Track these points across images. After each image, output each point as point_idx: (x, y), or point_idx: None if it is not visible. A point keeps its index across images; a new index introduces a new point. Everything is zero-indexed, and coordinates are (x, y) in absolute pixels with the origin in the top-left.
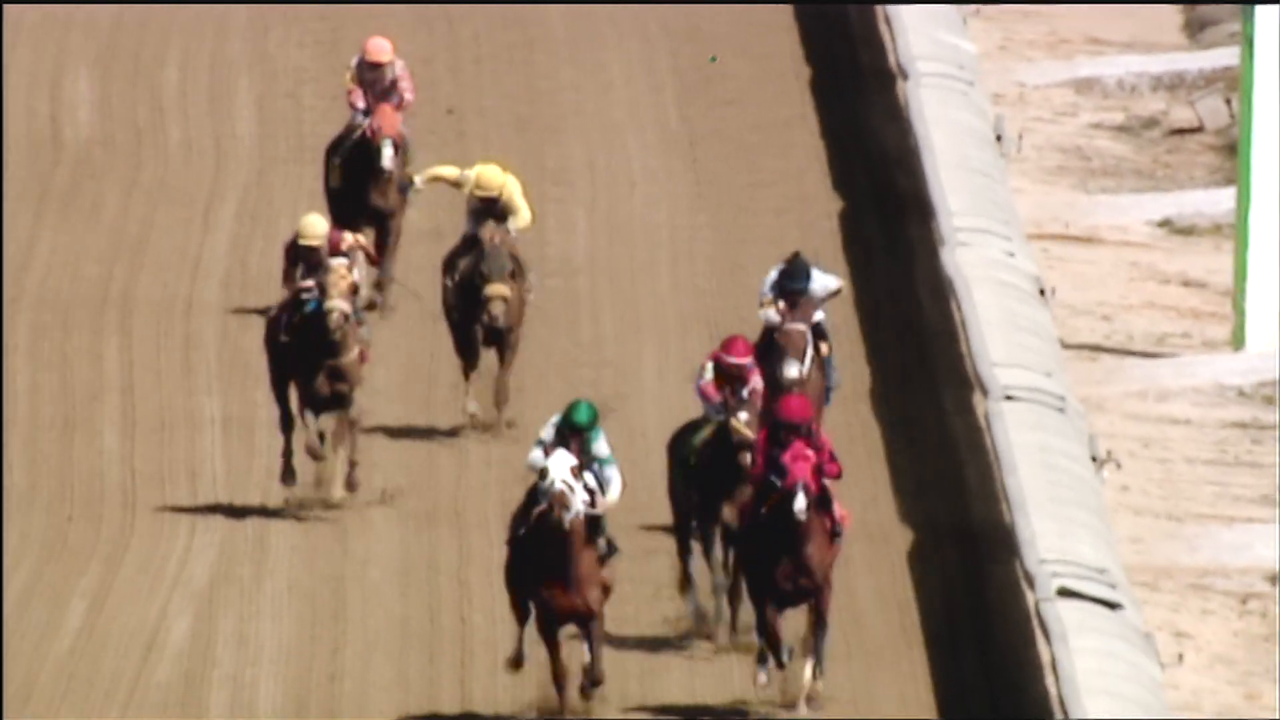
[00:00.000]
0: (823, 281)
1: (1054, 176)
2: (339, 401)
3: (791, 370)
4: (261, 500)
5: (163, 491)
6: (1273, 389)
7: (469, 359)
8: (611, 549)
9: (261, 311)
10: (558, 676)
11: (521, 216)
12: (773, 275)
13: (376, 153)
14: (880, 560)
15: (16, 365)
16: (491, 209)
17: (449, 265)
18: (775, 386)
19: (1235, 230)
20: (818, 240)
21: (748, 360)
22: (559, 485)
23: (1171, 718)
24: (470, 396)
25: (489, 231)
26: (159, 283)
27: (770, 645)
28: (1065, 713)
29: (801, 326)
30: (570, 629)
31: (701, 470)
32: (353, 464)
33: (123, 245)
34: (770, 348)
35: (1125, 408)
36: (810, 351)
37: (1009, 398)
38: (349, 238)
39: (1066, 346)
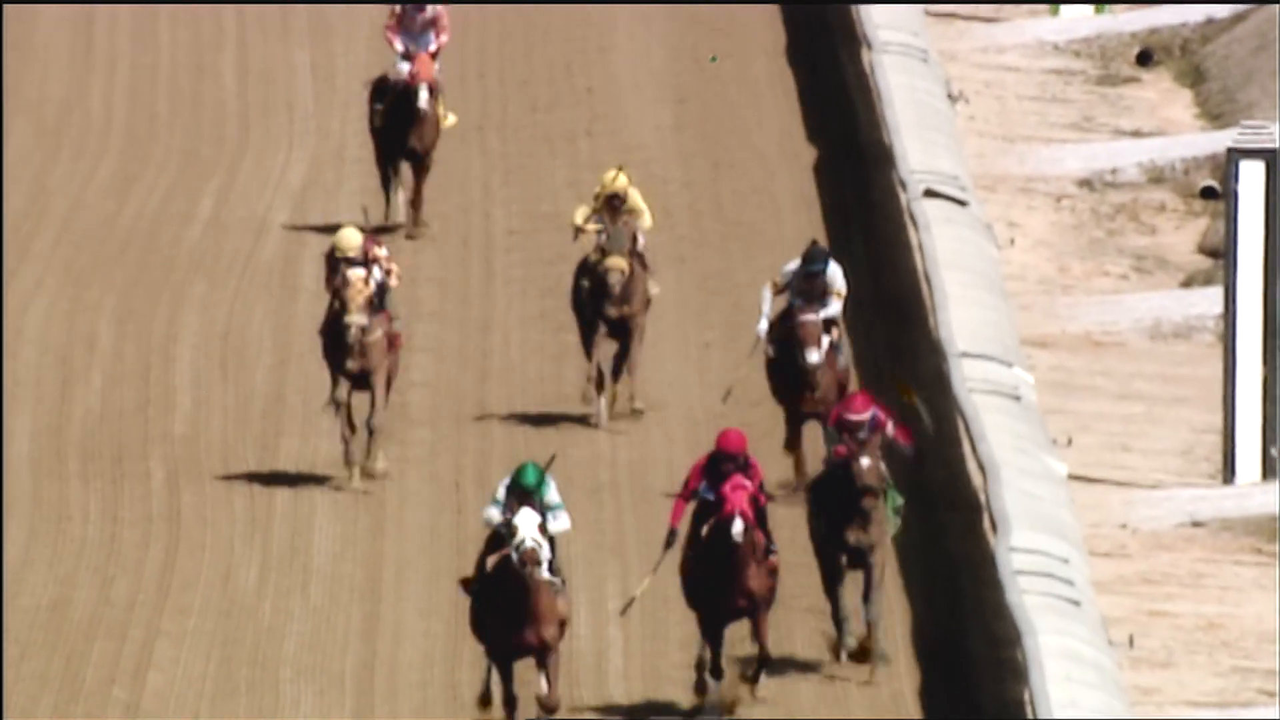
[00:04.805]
0: (836, 268)
1: None
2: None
3: (812, 356)
4: (341, 124)
5: (268, 119)
6: (1080, 45)
7: (590, 349)
8: (561, 584)
9: None
10: (508, 704)
11: (646, 219)
12: (794, 263)
13: (414, 95)
14: (794, 171)
15: (161, 26)
16: (616, 208)
17: (583, 264)
18: (797, 372)
19: None
20: None
21: (867, 415)
22: (529, 543)
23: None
24: (593, 396)
25: (613, 220)
26: None
27: (711, 653)
28: (929, 280)
29: (815, 317)
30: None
31: (826, 505)
32: (372, 433)
33: None
34: (789, 335)
35: (972, 59)
36: (826, 339)
37: (887, 51)
38: (379, 252)
39: (929, 14)
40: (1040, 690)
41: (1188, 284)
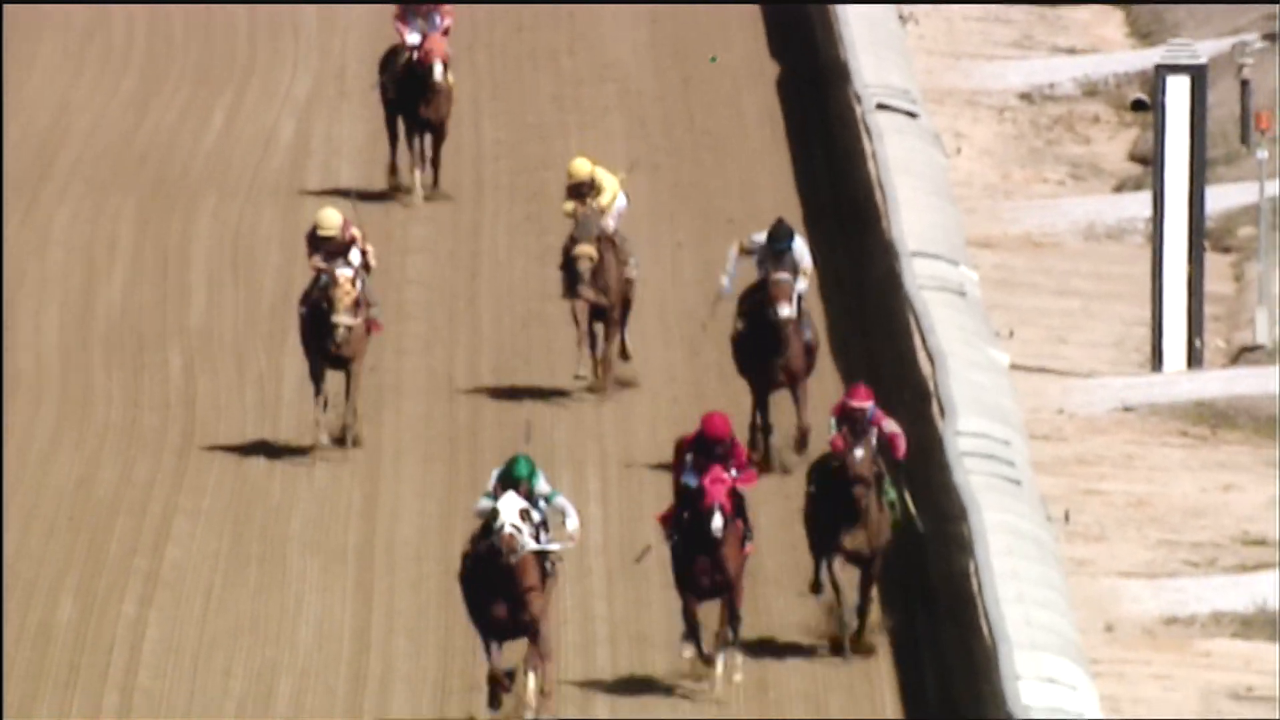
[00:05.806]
0: (801, 245)
1: None
2: (341, 365)
3: (784, 310)
4: (342, 44)
5: (275, 41)
6: None
7: (580, 328)
8: (552, 572)
9: None
10: (494, 680)
11: (617, 199)
12: (759, 237)
13: (429, 71)
14: (758, 85)
15: None
16: (581, 194)
17: (565, 252)
18: (770, 326)
19: None
20: None
21: (869, 404)
22: (508, 529)
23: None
24: (581, 363)
25: (579, 207)
26: None
27: (690, 630)
28: (882, 186)
29: (788, 275)
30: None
31: (822, 499)
32: (348, 423)
33: None
34: (763, 294)
35: None
36: (797, 297)
37: None
38: (355, 231)
39: None
40: (984, 562)
41: (1119, 189)
